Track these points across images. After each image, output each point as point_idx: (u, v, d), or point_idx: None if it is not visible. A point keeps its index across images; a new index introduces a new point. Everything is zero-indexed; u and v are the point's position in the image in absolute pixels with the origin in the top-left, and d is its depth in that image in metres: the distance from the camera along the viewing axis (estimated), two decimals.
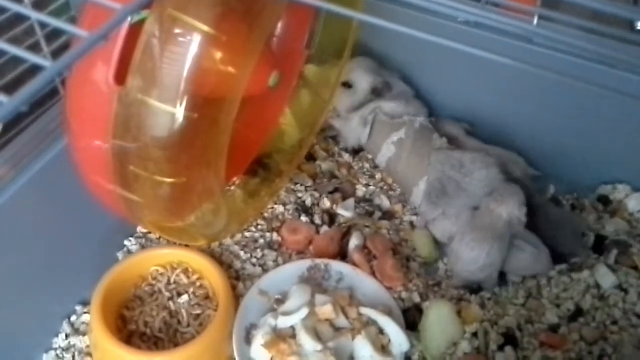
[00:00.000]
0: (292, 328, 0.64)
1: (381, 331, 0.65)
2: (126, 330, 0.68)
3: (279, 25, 0.76)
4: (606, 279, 0.71)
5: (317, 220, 0.79)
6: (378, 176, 0.87)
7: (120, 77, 0.49)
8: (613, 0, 0.38)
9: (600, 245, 0.76)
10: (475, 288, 0.73)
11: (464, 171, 0.75)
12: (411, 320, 0.68)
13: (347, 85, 0.85)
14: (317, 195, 0.83)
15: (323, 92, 0.81)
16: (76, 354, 0.68)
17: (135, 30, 0.48)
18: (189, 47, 0.49)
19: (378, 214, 0.82)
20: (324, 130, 0.90)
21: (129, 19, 0.46)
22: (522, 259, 0.72)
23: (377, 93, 0.84)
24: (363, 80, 0.85)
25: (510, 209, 0.70)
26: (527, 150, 0.83)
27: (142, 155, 0.52)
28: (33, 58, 0.30)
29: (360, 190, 0.85)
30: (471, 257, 0.70)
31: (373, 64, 0.86)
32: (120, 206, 0.58)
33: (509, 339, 0.66)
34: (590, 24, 0.39)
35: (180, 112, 0.50)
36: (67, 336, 0.69)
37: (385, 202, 0.83)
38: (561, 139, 0.81)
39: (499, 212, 0.70)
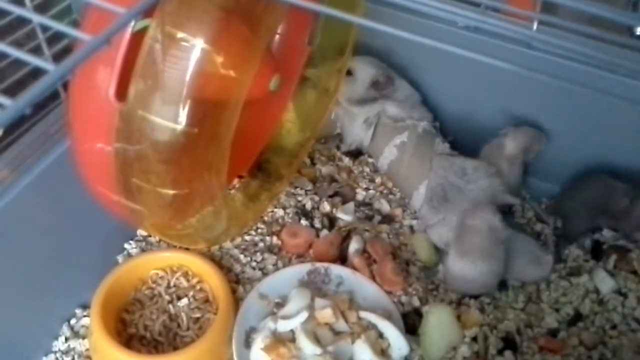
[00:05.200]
0: (292, 332, 0.64)
1: (381, 335, 0.65)
2: (126, 333, 0.68)
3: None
4: (605, 283, 0.71)
5: (317, 224, 0.79)
6: (378, 180, 0.87)
7: (121, 93, 0.49)
8: (613, 6, 0.38)
9: (599, 250, 0.76)
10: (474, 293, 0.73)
11: (466, 178, 0.75)
12: (410, 324, 0.68)
13: (348, 72, 0.84)
14: (316, 198, 0.83)
15: (325, 89, 0.81)
16: (75, 357, 0.68)
17: (135, 41, 0.48)
18: (189, 58, 0.49)
19: (378, 218, 0.82)
20: (327, 140, 0.90)
21: (132, 23, 0.46)
22: (521, 266, 0.72)
23: (378, 87, 0.83)
24: (364, 70, 0.83)
25: (488, 218, 0.69)
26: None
27: (144, 168, 0.52)
28: (36, 61, 0.30)
29: (360, 194, 0.85)
30: (469, 280, 0.70)
31: (379, 61, 0.85)
32: (121, 211, 0.58)
33: (509, 343, 0.66)
34: (589, 29, 0.39)
35: (180, 125, 0.50)
36: (66, 339, 0.69)
37: (385, 206, 0.83)
38: (560, 144, 0.81)
39: (480, 226, 0.69)
